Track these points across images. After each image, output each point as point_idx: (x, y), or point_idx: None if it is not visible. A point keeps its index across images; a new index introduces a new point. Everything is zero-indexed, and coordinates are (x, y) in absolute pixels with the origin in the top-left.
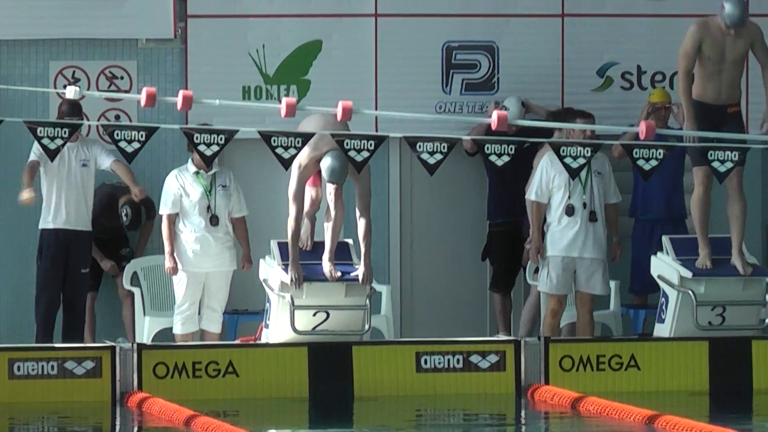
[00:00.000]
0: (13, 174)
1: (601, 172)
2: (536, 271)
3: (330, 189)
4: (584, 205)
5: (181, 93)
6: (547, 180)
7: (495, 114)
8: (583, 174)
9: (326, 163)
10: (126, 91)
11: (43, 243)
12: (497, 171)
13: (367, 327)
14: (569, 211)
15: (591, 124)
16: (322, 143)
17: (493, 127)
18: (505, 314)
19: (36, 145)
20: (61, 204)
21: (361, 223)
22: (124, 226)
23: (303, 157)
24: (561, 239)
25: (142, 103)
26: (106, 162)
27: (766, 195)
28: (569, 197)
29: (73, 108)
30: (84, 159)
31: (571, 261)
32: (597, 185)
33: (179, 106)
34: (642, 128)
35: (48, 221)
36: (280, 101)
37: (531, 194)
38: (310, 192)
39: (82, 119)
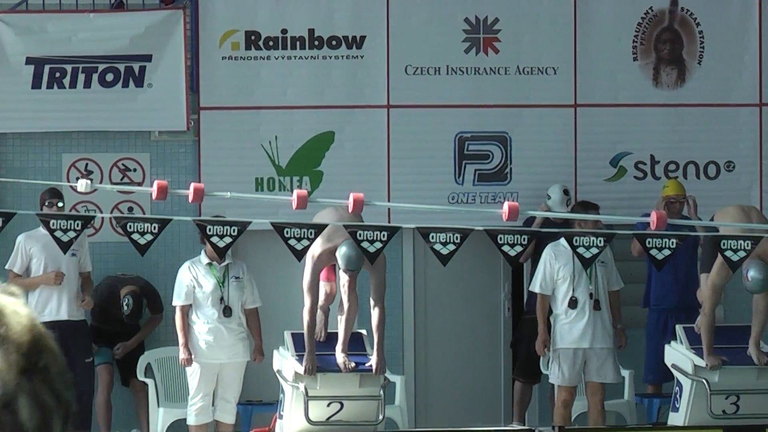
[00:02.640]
0: None
1: (604, 261)
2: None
3: (344, 281)
4: (590, 295)
5: (192, 186)
6: (552, 272)
7: (506, 205)
8: None
9: (341, 251)
10: (139, 184)
11: None
12: (512, 261)
13: (381, 417)
14: (572, 304)
15: (600, 215)
16: (335, 235)
17: (504, 218)
18: (522, 404)
19: (12, 255)
20: (52, 296)
21: (375, 313)
22: (124, 315)
23: (316, 248)
24: (570, 332)
25: (154, 196)
26: (84, 267)
27: None
28: (574, 289)
29: (53, 192)
30: (74, 248)
31: (582, 352)
32: (601, 274)
33: (191, 198)
34: (653, 218)
35: (43, 315)
36: (292, 192)
37: (535, 287)
38: (324, 287)
39: (62, 201)
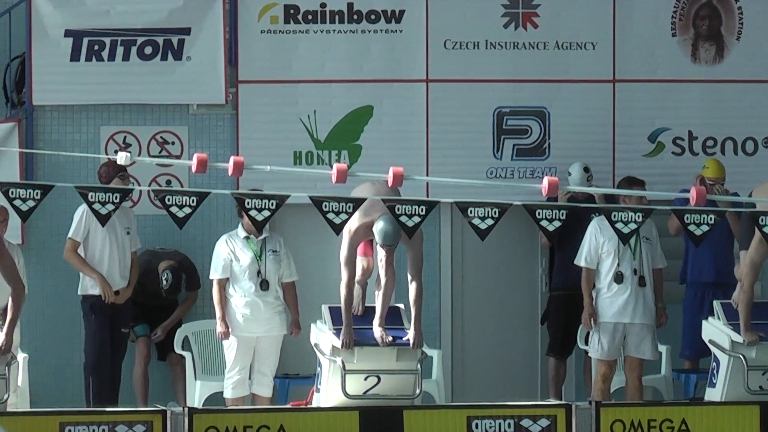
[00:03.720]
0: (60, 239)
1: (649, 238)
2: (587, 336)
3: (381, 255)
4: (634, 271)
5: (232, 159)
6: (596, 246)
7: (546, 180)
8: (632, 240)
9: (379, 226)
10: (177, 157)
11: (92, 308)
12: (551, 236)
13: (418, 391)
14: (618, 278)
15: (643, 191)
16: (373, 209)
17: (544, 193)
18: (557, 380)
19: (75, 224)
20: (105, 268)
21: (413, 288)
22: (162, 290)
23: (354, 222)
24: (612, 306)
25: (193, 169)
26: (134, 245)
27: None
28: (618, 264)
29: (118, 166)
30: (127, 227)
31: (622, 327)
32: (646, 251)
33: (230, 172)
34: (693, 194)
35: (95, 287)
36: (331, 166)
37: (581, 260)
38: (361, 262)
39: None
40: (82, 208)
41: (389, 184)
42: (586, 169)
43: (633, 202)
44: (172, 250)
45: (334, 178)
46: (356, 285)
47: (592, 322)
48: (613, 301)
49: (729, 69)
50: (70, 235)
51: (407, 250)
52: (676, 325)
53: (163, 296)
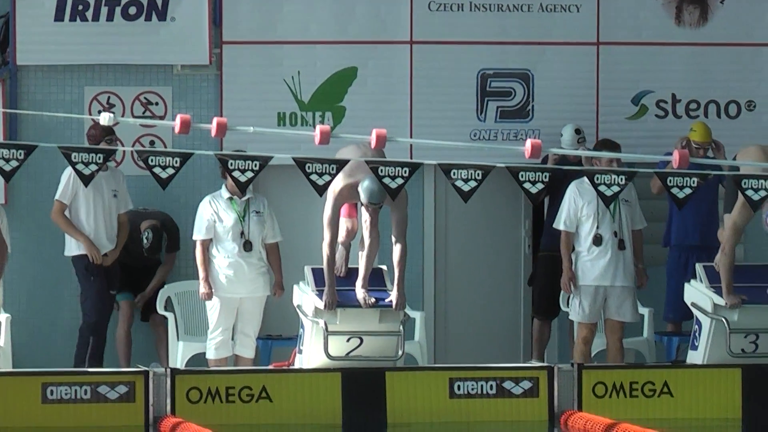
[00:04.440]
0: (44, 199)
1: (628, 200)
2: (568, 299)
3: (365, 217)
4: (614, 233)
5: (215, 120)
6: (576, 209)
7: (529, 142)
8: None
9: (364, 185)
10: (161, 117)
11: (88, 268)
12: (534, 199)
13: (400, 353)
14: (597, 241)
15: (619, 153)
16: (357, 171)
17: (527, 155)
18: (541, 342)
19: (62, 185)
20: (92, 230)
21: (397, 249)
22: (144, 249)
23: (338, 183)
24: (592, 269)
25: (176, 129)
26: (123, 207)
27: None
28: (598, 227)
29: (106, 129)
30: (114, 189)
31: (603, 290)
32: (625, 213)
33: (213, 132)
34: (675, 157)
35: (82, 248)
36: (315, 128)
37: (560, 224)
38: (345, 224)
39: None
40: (69, 170)
41: (372, 146)
42: (578, 131)
43: (604, 164)
44: (155, 210)
45: (317, 140)
46: (340, 246)
47: (572, 286)
48: (593, 264)
49: (713, 32)
50: (57, 196)
51: (391, 211)
52: (659, 287)
53: (145, 255)
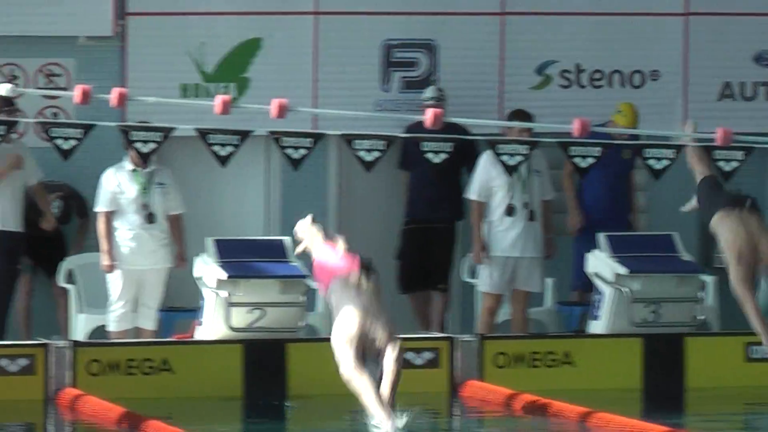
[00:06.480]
0: None
1: (539, 170)
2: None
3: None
4: (525, 204)
5: (115, 90)
6: (488, 179)
7: (430, 111)
8: (524, 173)
9: None
10: (64, 89)
11: None
12: (440, 169)
13: (302, 324)
14: (510, 211)
15: (528, 122)
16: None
17: (427, 124)
18: (422, 314)
19: None
20: None
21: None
22: (54, 218)
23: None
24: (504, 239)
25: (76, 100)
26: (34, 177)
27: None
28: (512, 197)
29: (6, 100)
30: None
31: (513, 261)
32: (537, 183)
33: (113, 102)
34: (575, 126)
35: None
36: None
37: (472, 194)
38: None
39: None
40: None
41: (272, 116)
42: (440, 90)
43: (514, 134)
44: (60, 182)
45: (217, 109)
46: None
47: (487, 258)
48: (505, 234)
49: (617, 2)
50: None
51: None
52: (564, 257)
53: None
